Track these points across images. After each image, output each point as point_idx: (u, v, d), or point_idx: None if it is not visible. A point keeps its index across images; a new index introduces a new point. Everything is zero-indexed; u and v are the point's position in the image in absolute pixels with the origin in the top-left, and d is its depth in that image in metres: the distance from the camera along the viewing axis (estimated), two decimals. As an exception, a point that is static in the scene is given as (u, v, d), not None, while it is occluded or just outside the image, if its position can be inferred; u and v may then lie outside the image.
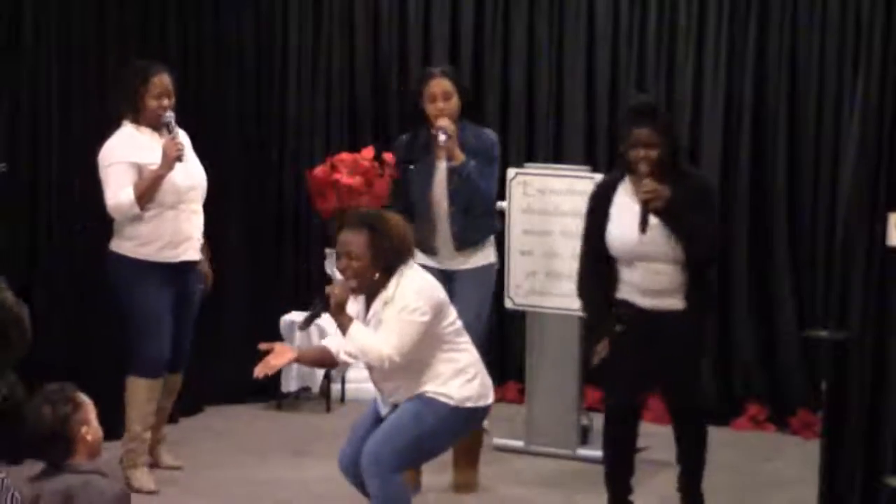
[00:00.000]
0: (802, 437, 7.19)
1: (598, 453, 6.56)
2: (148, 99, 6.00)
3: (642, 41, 7.74)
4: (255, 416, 7.44)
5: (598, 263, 5.48)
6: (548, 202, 6.57)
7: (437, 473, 6.23)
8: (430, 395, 4.87)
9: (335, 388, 7.68)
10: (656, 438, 6.47)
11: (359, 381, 7.75)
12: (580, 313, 6.64)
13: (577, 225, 6.54)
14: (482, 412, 5.01)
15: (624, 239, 5.39)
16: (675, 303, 5.39)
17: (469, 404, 4.89)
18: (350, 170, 7.52)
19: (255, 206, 7.73)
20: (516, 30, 7.98)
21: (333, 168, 7.57)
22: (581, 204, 6.53)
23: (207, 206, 6.34)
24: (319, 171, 7.62)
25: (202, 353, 7.16)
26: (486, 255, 6.14)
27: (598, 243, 5.46)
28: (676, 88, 7.64)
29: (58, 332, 6.59)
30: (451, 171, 5.97)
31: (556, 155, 7.76)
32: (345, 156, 7.65)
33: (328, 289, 4.91)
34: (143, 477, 6.11)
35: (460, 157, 5.92)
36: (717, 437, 6.88)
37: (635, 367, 5.42)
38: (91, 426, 3.77)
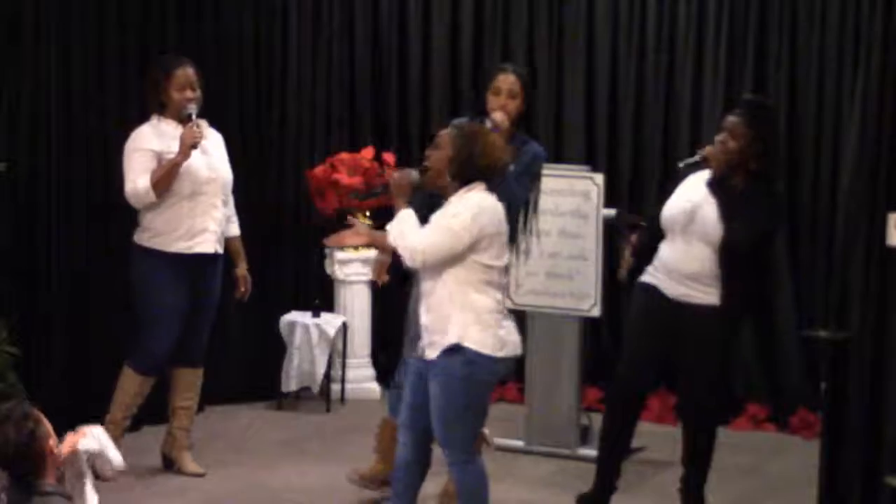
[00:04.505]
0: (802, 437, 7.20)
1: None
2: (171, 91, 6.05)
3: (642, 41, 7.74)
4: (255, 416, 7.43)
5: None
6: (548, 202, 6.56)
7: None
8: (443, 364, 4.85)
9: (335, 388, 7.68)
10: (656, 438, 6.48)
11: (359, 382, 7.77)
12: (580, 313, 6.66)
13: (577, 225, 6.57)
14: (498, 362, 4.92)
15: (677, 203, 5.40)
16: (702, 295, 5.35)
17: (486, 351, 4.86)
18: (350, 170, 7.53)
19: (255, 206, 7.73)
20: (516, 30, 7.99)
21: (333, 168, 7.58)
22: (581, 204, 6.57)
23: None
24: (319, 171, 7.63)
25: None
26: None
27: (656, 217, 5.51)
28: (676, 88, 7.65)
29: (58, 332, 6.59)
30: None
31: (556, 155, 7.76)
32: (345, 156, 7.66)
33: (390, 172, 5.00)
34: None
35: None
36: (718, 438, 6.90)
37: (650, 352, 5.43)
38: (54, 437, 3.65)
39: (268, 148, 7.89)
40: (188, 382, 6.31)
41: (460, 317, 4.85)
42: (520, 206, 5.80)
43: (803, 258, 7.46)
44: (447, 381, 4.87)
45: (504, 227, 4.98)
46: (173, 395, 6.31)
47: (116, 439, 6.15)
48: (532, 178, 5.81)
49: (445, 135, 4.94)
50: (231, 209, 6.32)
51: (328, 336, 7.50)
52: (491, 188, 4.95)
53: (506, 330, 4.96)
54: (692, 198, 5.40)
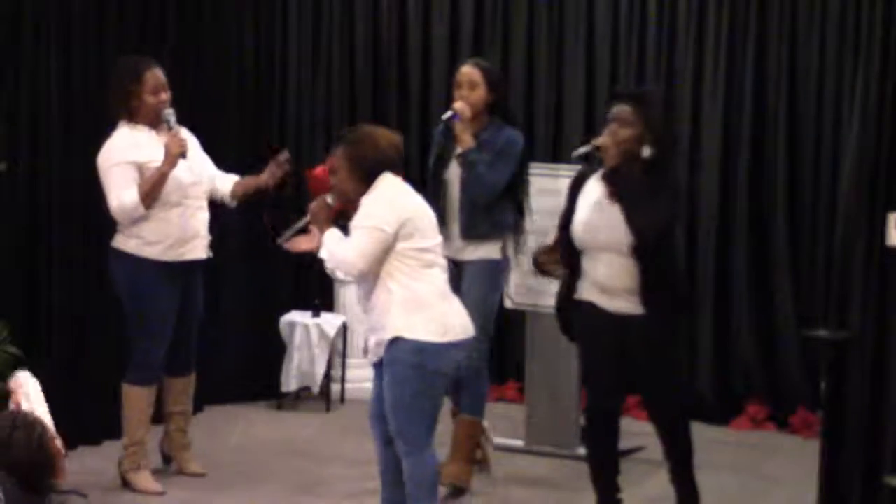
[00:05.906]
0: (802, 436, 7.19)
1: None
2: (145, 96, 5.90)
3: (642, 41, 7.74)
4: (255, 416, 7.44)
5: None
6: (547, 202, 6.56)
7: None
8: (392, 355, 4.90)
9: (335, 388, 7.68)
10: (653, 438, 6.46)
11: (359, 381, 7.77)
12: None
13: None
14: (448, 348, 4.95)
15: (583, 222, 5.26)
16: (634, 307, 5.20)
17: (430, 338, 4.89)
18: (350, 170, 7.52)
19: (255, 206, 7.73)
20: (516, 30, 7.99)
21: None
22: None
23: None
24: (319, 171, 7.60)
25: (202, 353, 7.16)
26: (490, 251, 6.03)
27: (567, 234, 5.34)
28: (676, 88, 7.65)
29: (58, 332, 6.59)
30: (460, 157, 5.95)
31: (556, 155, 7.76)
32: (345, 156, 7.65)
33: (310, 206, 5.06)
34: (145, 479, 6.09)
35: (468, 142, 5.90)
36: (717, 437, 6.92)
37: (609, 371, 5.35)
38: (57, 440, 3.71)
39: (267, 148, 7.88)
40: (182, 390, 6.28)
41: (401, 309, 4.89)
42: (496, 192, 5.92)
43: (803, 258, 7.46)
44: (397, 371, 4.90)
45: (422, 207, 5.03)
46: (168, 404, 6.27)
47: (141, 459, 6.11)
48: (517, 164, 5.98)
49: (335, 157, 5.03)
50: (219, 172, 6.23)
51: (328, 336, 7.50)
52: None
53: (448, 314, 4.98)
54: (592, 208, 5.25)
